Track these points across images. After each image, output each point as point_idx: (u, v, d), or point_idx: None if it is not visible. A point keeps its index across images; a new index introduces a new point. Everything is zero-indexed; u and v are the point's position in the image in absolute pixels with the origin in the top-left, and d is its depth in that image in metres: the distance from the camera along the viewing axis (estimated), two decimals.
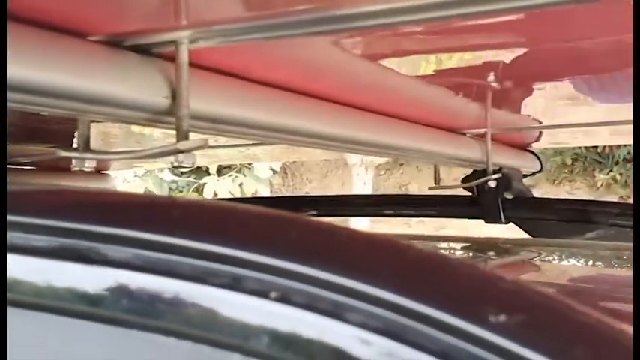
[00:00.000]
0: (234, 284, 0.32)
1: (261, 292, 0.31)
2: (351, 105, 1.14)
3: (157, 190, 7.08)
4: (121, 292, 0.33)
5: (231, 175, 7.09)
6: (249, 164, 6.91)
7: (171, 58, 0.68)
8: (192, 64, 0.72)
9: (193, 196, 7.42)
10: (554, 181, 8.75)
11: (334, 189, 9.09)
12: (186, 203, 0.40)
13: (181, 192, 7.93)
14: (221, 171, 7.24)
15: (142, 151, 0.68)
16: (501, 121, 1.57)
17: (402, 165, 9.31)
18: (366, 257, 0.34)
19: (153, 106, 0.67)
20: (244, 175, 7.08)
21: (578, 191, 8.55)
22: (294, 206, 1.76)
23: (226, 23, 0.67)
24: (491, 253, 1.40)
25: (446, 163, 1.58)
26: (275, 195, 8.16)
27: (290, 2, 0.71)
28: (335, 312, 0.30)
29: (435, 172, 1.63)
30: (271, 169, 7.17)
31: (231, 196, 6.88)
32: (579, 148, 8.28)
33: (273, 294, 0.31)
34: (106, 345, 0.34)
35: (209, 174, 7.17)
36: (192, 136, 0.69)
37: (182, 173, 7.49)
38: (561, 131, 1.95)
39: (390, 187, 9.18)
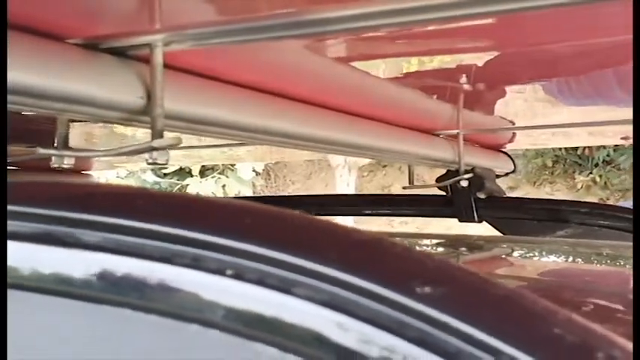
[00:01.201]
0: (195, 264, 0.36)
1: (219, 270, 0.35)
2: (326, 106, 1.17)
3: None
4: (95, 271, 0.37)
5: (214, 177, 7.11)
6: (232, 165, 6.92)
7: (147, 60, 0.71)
8: (167, 66, 0.75)
9: None
10: (535, 182, 8.84)
11: (317, 190, 9.12)
12: (154, 193, 0.44)
13: None
14: (204, 172, 7.24)
15: (119, 149, 0.71)
16: (473, 122, 1.61)
17: (384, 166, 9.37)
18: (313, 239, 0.38)
19: (129, 106, 0.70)
20: (227, 177, 7.09)
21: (558, 193, 8.65)
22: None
23: (199, 27, 0.70)
24: (463, 249, 1.44)
25: (420, 163, 1.62)
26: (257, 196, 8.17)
27: (262, 7, 0.74)
28: (284, 287, 0.35)
29: (409, 173, 1.67)
30: (254, 170, 7.19)
31: None
32: (560, 149, 8.38)
33: (229, 271, 0.35)
34: (79, 318, 0.38)
35: (192, 175, 7.18)
36: (167, 134, 0.72)
37: (165, 174, 7.49)
38: (543, 132, 1.99)
39: (373, 188, 9.22)
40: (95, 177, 2.32)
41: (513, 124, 1.80)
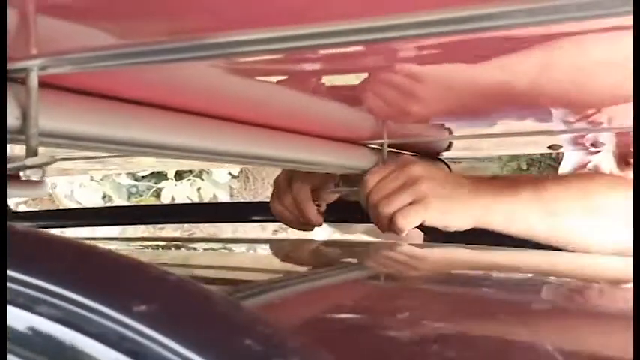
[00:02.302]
0: None
1: None
2: (240, 121, 1.21)
3: (115, 195, 7.10)
4: None
5: (189, 180, 7.14)
6: (208, 168, 6.95)
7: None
8: (51, 85, 0.81)
9: (152, 200, 7.45)
10: None
11: None
12: None
13: (141, 196, 7.95)
14: (181, 175, 7.27)
15: None
16: (401, 132, 1.66)
17: None
18: (51, 258, 0.44)
19: (7, 127, 0.75)
20: (202, 180, 7.13)
21: None
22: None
23: (75, 52, 0.75)
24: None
25: (348, 173, 1.67)
26: (235, 200, 8.20)
27: (138, 33, 0.79)
28: (28, 305, 0.41)
29: (337, 179, 1.73)
30: (230, 173, 7.23)
31: (190, 201, 6.92)
32: (534, 153, 8.48)
33: None
34: None
35: (167, 178, 7.21)
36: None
37: (142, 177, 7.51)
38: (489, 141, 2.04)
39: None
40: (48, 184, 2.35)
41: (451, 133, 1.85)
